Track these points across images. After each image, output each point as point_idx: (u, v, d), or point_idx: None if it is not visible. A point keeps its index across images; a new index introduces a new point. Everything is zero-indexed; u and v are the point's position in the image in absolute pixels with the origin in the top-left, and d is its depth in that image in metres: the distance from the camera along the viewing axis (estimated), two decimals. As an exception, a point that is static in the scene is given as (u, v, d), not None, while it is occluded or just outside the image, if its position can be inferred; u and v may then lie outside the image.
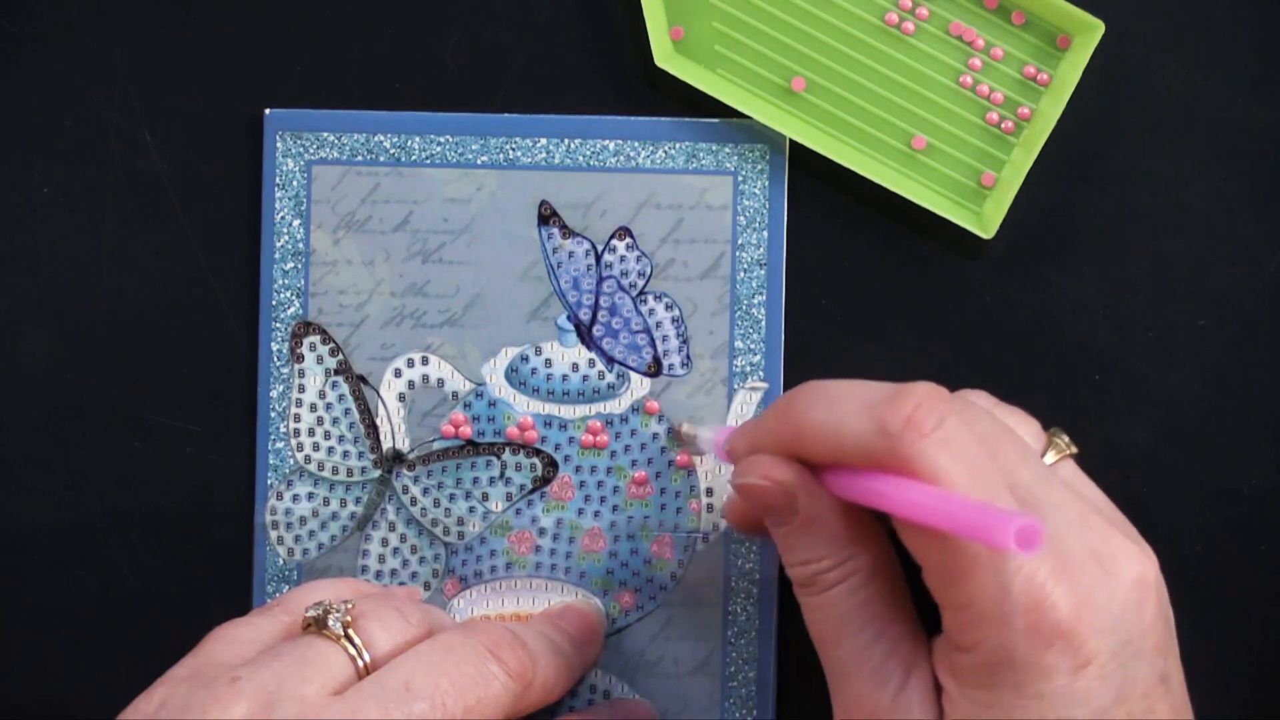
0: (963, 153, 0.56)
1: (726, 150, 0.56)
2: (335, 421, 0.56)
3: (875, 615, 0.48)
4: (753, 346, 0.56)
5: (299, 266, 0.56)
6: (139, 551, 0.57)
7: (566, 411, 0.56)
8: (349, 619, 0.47)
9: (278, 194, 0.56)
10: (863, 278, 0.57)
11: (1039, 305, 0.57)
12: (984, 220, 0.56)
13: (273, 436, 0.56)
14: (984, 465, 0.45)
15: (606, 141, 0.56)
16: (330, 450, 0.56)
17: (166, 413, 0.57)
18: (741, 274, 0.56)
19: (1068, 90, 0.55)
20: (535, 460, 0.56)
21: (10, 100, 0.57)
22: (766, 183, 0.56)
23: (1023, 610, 0.44)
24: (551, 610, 0.55)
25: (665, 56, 0.55)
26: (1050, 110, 0.55)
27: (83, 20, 0.57)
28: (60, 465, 0.57)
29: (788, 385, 0.56)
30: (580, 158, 0.56)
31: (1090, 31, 0.55)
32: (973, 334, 0.57)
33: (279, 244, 0.56)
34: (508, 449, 0.56)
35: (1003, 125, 0.56)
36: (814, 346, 0.56)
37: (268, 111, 0.56)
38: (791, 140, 0.56)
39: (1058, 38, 0.56)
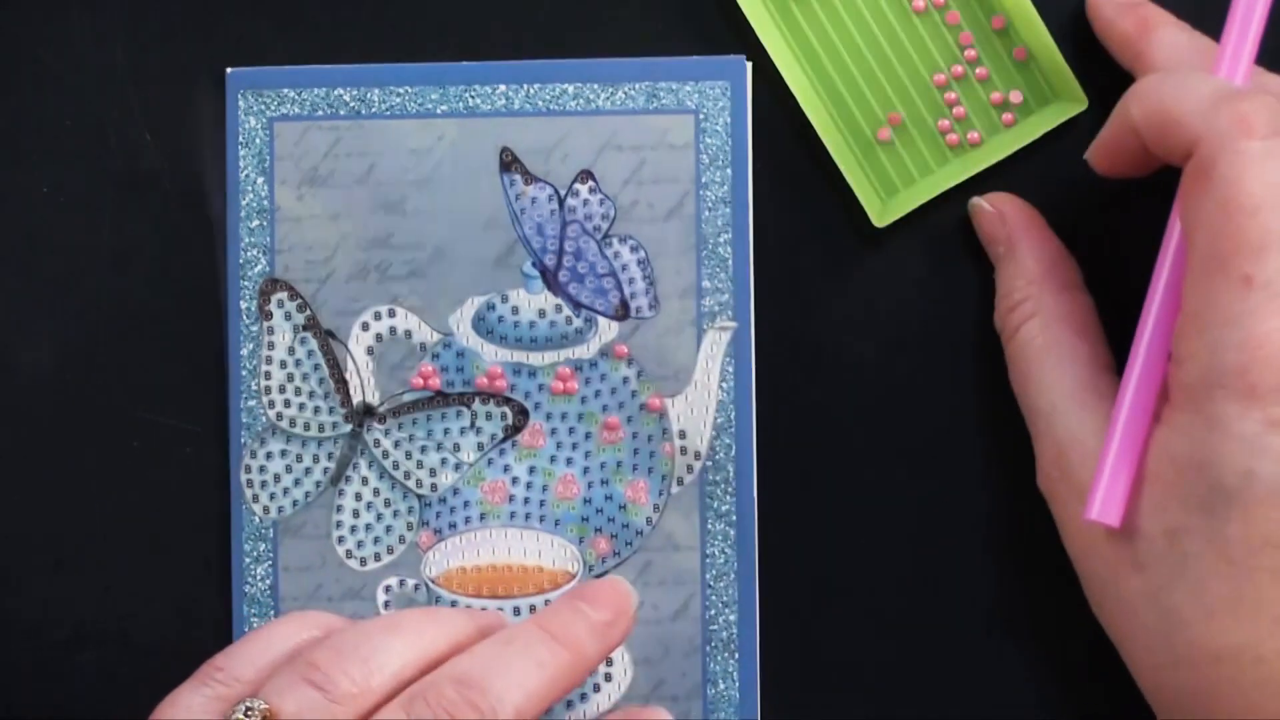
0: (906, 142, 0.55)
1: (687, 89, 0.55)
2: (305, 377, 0.56)
3: (1068, 354, 0.51)
4: (720, 285, 0.55)
5: (264, 224, 0.56)
6: (139, 551, 0.56)
7: (535, 359, 0.56)
8: None
9: (241, 152, 0.56)
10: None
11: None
12: (883, 210, 0.55)
13: (244, 395, 0.56)
14: None
15: (566, 85, 0.56)
16: (302, 406, 0.56)
17: (166, 413, 0.56)
18: (706, 213, 0.55)
19: (1022, 141, 0.54)
20: (505, 409, 0.56)
21: (10, 100, 0.57)
22: (729, 120, 0.55)
23: (1241, 335, 0.44)
24: (583, 590, 0.52)
25: None
26: (998, 150, 0.55)
27: (82, 19, 0.57)
28: (60, 465, 0.57)
29: (758, 323, 0.55)
30: (540, 102, 0.56)
31: (1072, 103, 0.54)
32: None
33: (244, 202, 0.56)
34: (477, 399, 0.56)
35: (948, 137, 0.55)
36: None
37: (229, 71, 0.56)
38: (754, 76, 0.55)
39: (1044, 89, 0.55)
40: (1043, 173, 0.55)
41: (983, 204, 0.54)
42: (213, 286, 0.56)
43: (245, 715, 0.47)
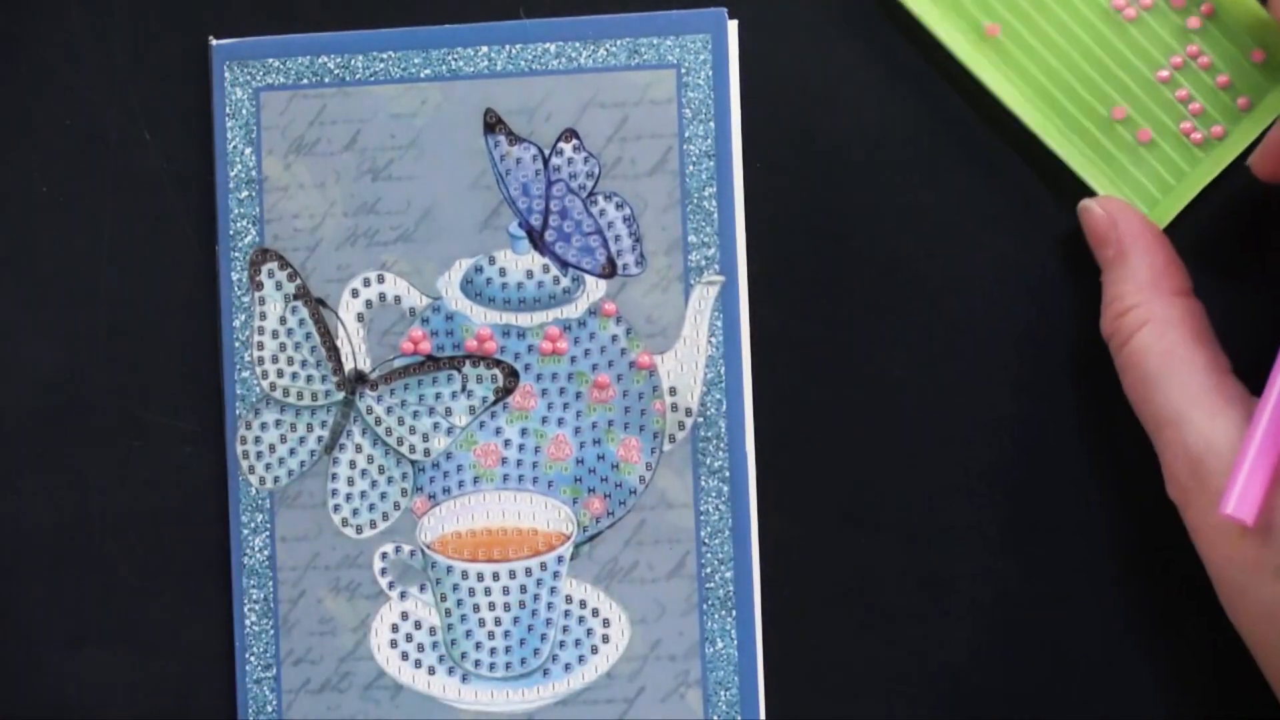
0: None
1: (668, 43, 0.55)
2: (297, 346, 0.56)
3: (1188, 361, 0.50)
4: (706, 240, 0.55)
5: (253, 194, 0.56)
6: (138, 551, 0.56)
7: (524, 320, 0.56)
8: None
9: (229, 123, 0.56)
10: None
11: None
12: (1159, 211, 0.54)
13: (238, 366, 0.56)
14: None
15: (548, 44, 0.55)
16: (295, 375, 0.56)
17: (166, 413, 0.57)
18: (690, 167, 0.55)
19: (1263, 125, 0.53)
20: (495, 371, 0.55)
21: (9, 99, 0.57)
22: (710, 73, 0.55)
23: None
24: None
25: None
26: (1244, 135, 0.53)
27: (82, 19, 0.57)
28: (60, 465, 0.57)
29: (751, 276, 0.55)
30: (522, 62, 0.55)
31: None
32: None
33: (232, 173, 0.56)
34: (467, 362, 0.56)
35: (1192, 136, 0.54)
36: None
37: (214, 42, 0.56)
38: (744, 30, 0.54)
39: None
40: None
41: (1094, 206, 0.53)
42: (212, 285, 0.56)
43: None
